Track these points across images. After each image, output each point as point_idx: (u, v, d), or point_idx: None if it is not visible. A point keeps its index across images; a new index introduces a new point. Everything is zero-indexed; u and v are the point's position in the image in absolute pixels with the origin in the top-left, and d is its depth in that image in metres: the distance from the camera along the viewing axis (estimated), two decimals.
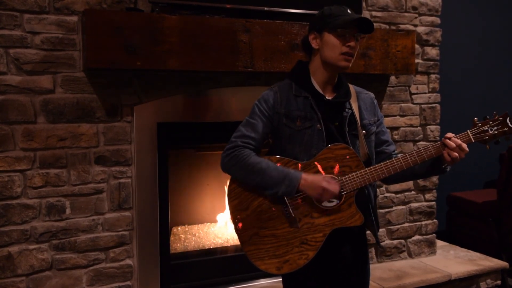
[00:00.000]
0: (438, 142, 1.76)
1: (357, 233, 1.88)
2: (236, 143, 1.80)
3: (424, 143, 3.46)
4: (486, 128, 1.76)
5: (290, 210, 1.77)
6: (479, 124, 1.77)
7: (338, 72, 1.86)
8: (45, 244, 2.51)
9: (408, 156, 1.76)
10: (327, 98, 1.83)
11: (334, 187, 1.71)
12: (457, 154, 1.71)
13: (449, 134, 1.75)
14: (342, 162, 1.77)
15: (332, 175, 1.75)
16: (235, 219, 1.84)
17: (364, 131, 1.86)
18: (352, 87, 1.92)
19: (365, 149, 1.84)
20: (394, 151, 1.97)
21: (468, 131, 1.76)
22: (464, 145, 1.72)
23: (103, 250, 2.63)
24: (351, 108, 1.85)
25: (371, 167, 1.77)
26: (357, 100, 1.89)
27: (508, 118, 1.76)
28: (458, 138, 1.74)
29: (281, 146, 1.83)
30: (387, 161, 1.77)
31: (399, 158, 1.76)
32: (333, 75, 1.85)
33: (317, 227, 1.76)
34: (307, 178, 1.73)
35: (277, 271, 1.79)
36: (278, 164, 1.78)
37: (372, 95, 1.98)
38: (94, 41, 2.37)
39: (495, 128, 1.75)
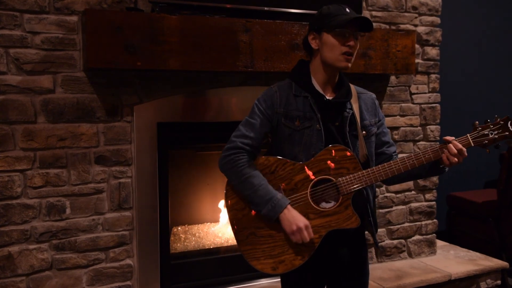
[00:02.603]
0: (437, 146, 1.75)
1: (355, 234, 1.87)
2: (236, 143, 1.80)
3: (424, 143, 3.46)
4: (487, 132, 1.73)
5: None
6: (479, 128, 1.74)
7: (339, 72, 1.85)
8: (45, 244, 2.51)
9: (406, 159, 1.75)
10: (327, 98, 1.82)
11: (305, 235, 1.71)
12: (456, 159, 1.70)
13: (449, 138, 1.73)
14: (339, 164, 1.76)
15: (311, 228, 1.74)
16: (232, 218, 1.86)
17: (364, 132, 1.85)
18: (353, 87, 1.91)
19: (365, 150, 1.83)
20: (394, 152, 1.96)
21: (468, 135, 1.74)
22: (464, 150, 1.70)
23: (103, 250, 2.63)
24: (351, 109, 1.84)
25: (369, 169, 1.76)
26: (358, 100, 1.88)
27: (509, 122, 1.73)
28: (457, 142, 1.72)
29: (280, 146, 1.83)
30: (385, 164, 1.76)
31: (397, 161, 1.75)
32: (334, 75, 1.84)
33: (313, 228, 1.75)
34: (289, 212, 1.72)
35: (272, 271, 1.79)
36: (275, 165, 1.79)
37: (374, 95, 1.96)
38: (94, 41, 2.37)
39: (496, 132, 1.73)
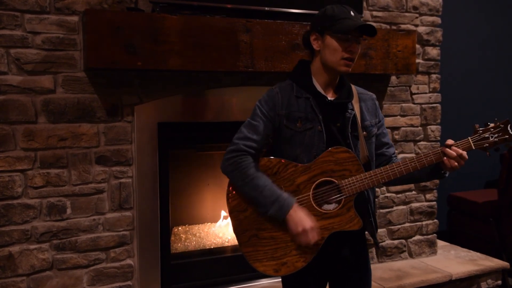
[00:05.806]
0: (439, 149, 1.75)
1: (356, 234, 1.86)
2: (238, 145, 1.78)
3: (424, 143, 3.45)
4: (487, 135, 1.74)
5: None
6: (480, 131, 1.75)
7: (338, 74, 1.85)
8: (45, 244, 2.51)
9: (408, 162, 1.74)
10: (328, 99, 1.81)
11: (311, 236, 1.69)
12: (456, 163, 1.70)
13: (450, 141, 1.73)
14: (342, 166, 1.75)
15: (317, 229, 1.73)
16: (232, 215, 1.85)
17: (365, 133, 1.84)
18: (354, 88, 1.90)
19: (366, 151, 1.83)
20: (394, 153, 1.95)
21: (469, 138, 1.74)
22: (464, 154, 1.70)
23: (104, 250, 2.63)
24: (353, 109, 1.84)
25: (371, 171, 1.76)
26: (359, 101, 1.88)
27: (509, 125, 1.74)
28: (458, 146, 1.72)
29: (282, 147, 1.82)
30: (387, 166, 1.75)
31: (399, 164, 1.75)
32: (335, 76, 1.83)
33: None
34: (296, 213, 1.71)
35: (274, 273, 1.78)
36: (277, 167, 1.78)
37: (374, 96, 1.96)
38: (94, 41, 2.37)
39: (496, 135, 1.73)
